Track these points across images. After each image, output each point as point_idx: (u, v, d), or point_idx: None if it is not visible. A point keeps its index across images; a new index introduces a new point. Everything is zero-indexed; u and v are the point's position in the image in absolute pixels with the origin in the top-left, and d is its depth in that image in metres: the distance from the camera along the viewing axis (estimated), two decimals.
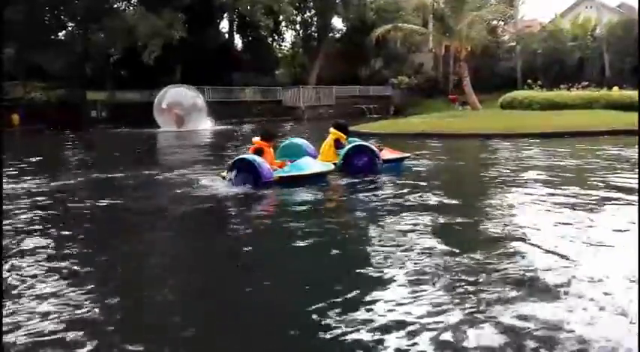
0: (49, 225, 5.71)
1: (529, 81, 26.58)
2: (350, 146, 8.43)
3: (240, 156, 7.51)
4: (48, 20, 30.94)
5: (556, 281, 3.56)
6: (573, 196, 6.37)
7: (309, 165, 7.64)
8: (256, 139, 7.91)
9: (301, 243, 4.78)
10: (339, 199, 7.22)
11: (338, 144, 8.61)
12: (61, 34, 32.46)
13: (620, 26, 34.58)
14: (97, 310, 3.36)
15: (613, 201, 6.09)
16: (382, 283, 3.67)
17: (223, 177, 7.61)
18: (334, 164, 8.16)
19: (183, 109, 24.14)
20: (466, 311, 3.12)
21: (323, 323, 3.04)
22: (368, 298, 3.39)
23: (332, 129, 8.84)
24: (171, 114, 23.72)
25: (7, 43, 26.80)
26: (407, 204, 6.18)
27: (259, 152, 7.51)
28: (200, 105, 25.04)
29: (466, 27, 24.71)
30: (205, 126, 24.55)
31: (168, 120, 23.83)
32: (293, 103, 35.78)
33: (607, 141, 13.00)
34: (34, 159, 12.89)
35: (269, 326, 3.19)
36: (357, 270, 3.95)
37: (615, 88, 23.73)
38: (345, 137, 8.79)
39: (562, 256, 4.08)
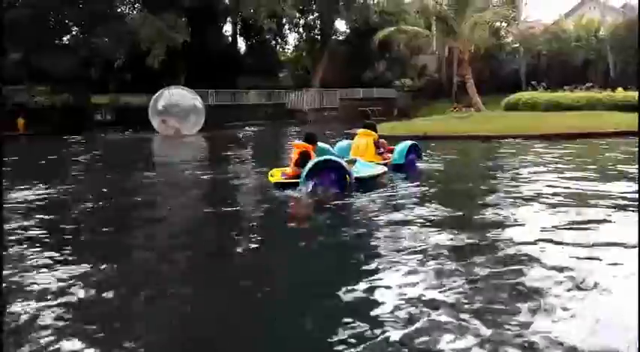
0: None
1: (533, 82, 26.52)
2: (407, 144, 8.90)
3: (324, 158, 7.04)
4: (52, 25, 31.04)
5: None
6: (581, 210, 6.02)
7: (371, 167, 7.91)
8: (298, 142, 7.66)
9: None
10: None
11: (377, 144, 8.83)
12: (66, 39, 32.53)
13: (623, 27, 34.50)
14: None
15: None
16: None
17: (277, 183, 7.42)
18: (384, 165, 8.40)
19: (178, 117, 23.52)
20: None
21: None
22: None
23: (365, 131, 8.96)
24: (169, 128, 23.23)
25: (12, 48, 26.90)
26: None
27: (307, 155, 7.23)
28: (199, 108, 24.50)
29: (469, 29, 24.70)
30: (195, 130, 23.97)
31: (164, 129, 23.34)
32: (297, 106, 35.85)
33: (612, 142, 12.97)
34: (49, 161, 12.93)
35: None
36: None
37: (620, 89, 23.65)
38: (378, 137, 8.99)
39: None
